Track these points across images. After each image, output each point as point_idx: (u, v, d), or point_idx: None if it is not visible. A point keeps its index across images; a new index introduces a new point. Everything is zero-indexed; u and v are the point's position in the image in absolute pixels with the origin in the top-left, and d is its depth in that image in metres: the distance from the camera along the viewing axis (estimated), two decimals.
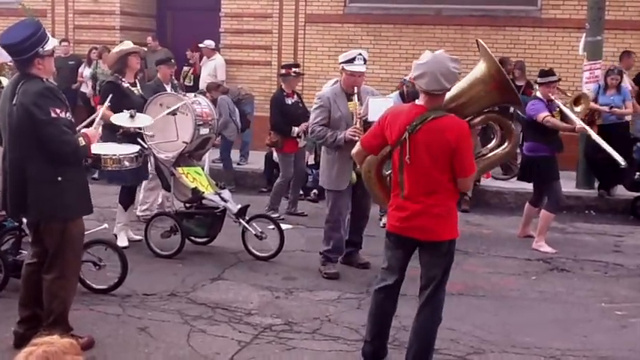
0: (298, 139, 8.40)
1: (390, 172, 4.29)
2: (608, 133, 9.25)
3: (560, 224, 8.50)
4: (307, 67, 12.06)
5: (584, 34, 9.66)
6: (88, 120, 5.67)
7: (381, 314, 4.27)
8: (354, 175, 6.12)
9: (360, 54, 6.14)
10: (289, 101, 8.40)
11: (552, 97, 7.22)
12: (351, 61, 6.09)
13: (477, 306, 5.43)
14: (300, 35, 12.42)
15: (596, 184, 9.53)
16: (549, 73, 7.57)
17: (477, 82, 4.24)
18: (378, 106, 5.71)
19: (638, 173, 8.84)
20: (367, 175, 4.46)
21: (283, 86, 8.51)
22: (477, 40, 4.51)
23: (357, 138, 5.29)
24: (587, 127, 7.23)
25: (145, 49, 8.31)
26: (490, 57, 4.21)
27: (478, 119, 4.34)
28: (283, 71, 8.62)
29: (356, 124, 5.92)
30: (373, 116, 5.57)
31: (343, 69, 6.14)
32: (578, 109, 7.19)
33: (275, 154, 9.14)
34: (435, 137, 3.89)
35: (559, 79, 7.56)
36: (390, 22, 11.88)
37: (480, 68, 4.24)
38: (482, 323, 5.07)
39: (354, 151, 4.45)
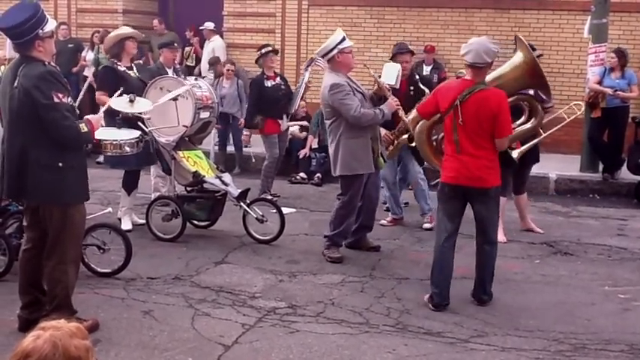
0: (280, 122, 8.41)
1: (436, 136, 5.33)
2: (611, 116, 9.27)
3: (564, 208, 8.50)
4: (310, 50, 11.98)
5: (590, 17, 9.59)
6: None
7: (445, 264, 5.05)
8: (381, 160, 6.26)
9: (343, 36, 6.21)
10: (268, 84, 8.42)
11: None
12: (342, 41, 6.10)
13: None
14: (303, 18, 12.34)
15: (601, 168, 9.51)
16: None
17: (514, 67, 5.31)
18: (391, 71, 6.42)
19: None
20: (419, 135, 5.38)
21: (264, 69, 8.55)
22: (515, 36, 5.54)
23: (399, 108, 6.01)
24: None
25: (142, 34, 8.23)
26: (526, 48, 5.25)
27: (511, 99, 5.23)
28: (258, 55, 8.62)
29: (388, 95, 6.08)
30: (390, 80, 6.30)
31: (341, 52, 6.05)
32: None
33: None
34: (480, 105, 4.81)
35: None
36: (394, 5, 11.77)
37: (518, 56, 5.30)
38: (486, 306, 5.08)
39: (410, 117, 5.64)
